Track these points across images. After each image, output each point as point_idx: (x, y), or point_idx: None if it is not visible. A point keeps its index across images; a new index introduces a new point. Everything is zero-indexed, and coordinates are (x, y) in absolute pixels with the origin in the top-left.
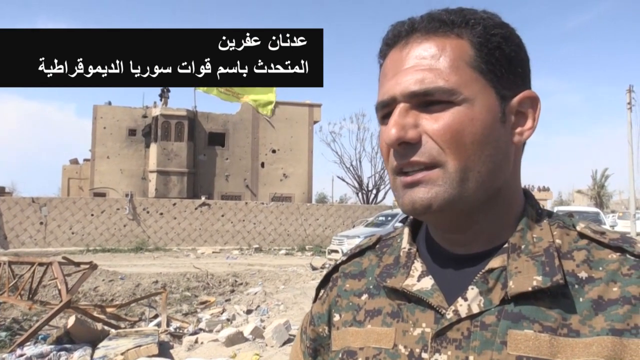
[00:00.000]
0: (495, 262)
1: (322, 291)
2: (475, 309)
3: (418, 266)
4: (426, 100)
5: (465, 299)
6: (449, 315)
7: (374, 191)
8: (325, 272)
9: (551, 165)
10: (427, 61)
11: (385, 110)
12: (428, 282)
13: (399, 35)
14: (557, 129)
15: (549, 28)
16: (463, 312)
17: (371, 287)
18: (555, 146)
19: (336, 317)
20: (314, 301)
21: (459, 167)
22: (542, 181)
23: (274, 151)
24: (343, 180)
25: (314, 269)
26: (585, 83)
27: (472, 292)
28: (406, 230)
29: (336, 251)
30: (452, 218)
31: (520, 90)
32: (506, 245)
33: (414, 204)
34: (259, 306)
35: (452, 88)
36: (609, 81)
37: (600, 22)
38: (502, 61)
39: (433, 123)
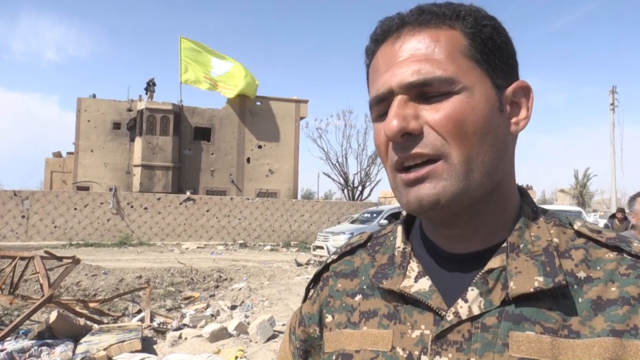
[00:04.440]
0: (495, 262)
1: (312, 291)
2: (476, 311)
3: (414, 266)
4: (424, 91)
5: (466, 301)
6: (450, 317)
7: (360, 188)
8: (315, 270)
9: (534, 164)
10: (423, 51)
11: (381, 105)
12: (426, 283)
13: (389, 30)
14: (541, 128)
15: (534, 28)
16: (464, 314)
17: (365, 287)
18: (538, 145)
19: (328, 318)
20: (304, 301)
21: (463, 158)
22: (526, 180)
23: (259, 147)
24: (329, 176)
25: (298, 265)
26: (569, 83)
27: (472, 293)
28: (399, 229)
29: (321, 247)
30: (457, 211)
31: (512, 80)
32: (504, 244)
33: (421, 201)
34: (243, 302)
35: (451, 77)
36: (592, 81)
37: (585, 22)
38: (494, 51)
39: (434, 113)
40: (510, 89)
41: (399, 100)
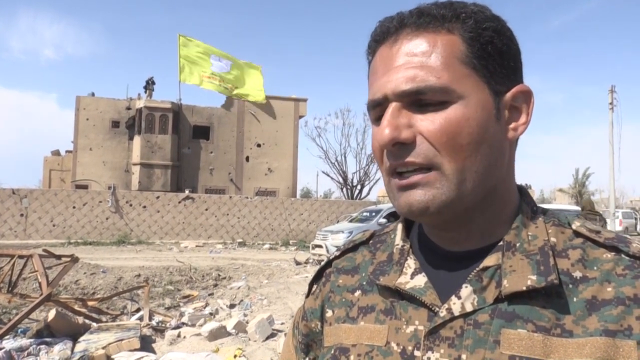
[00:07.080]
0: (490, 261)
1: (315, 286)
2: (469, 308)
3: (411, 263)
4: (419, 99)
5: (459, 297)
6: (442, 313)
7: (359, 187)
8: (318, 267)
9: (533, 164)
10: (418, 58)
11: (377, 109)
12: (421, 280)
13: (388, 32)
14: (540, 128)
15: (532, 27)
16: (456, 311)
17: (364, 283)
18: (537, 144)
19: (329, 313)
20: (307, 296)
21: (456, 168)
22: (524, 179)
23: (259, 145)
24: (328, 175)
25: (297, 263)
26: (568, 82)
27: (466, 290)
28: (400, 227)
29: (320, 246)
30: (448, 218)
31: (513, 84)
32: (501, 243)
33: (411, 207)
34: (242, 300)
35: (445, 86)
36: (591, 81)
37: (584, 22)
38: (494, 56)
39: (428, 124)
40: (509, 94)
41: (393, 108)
